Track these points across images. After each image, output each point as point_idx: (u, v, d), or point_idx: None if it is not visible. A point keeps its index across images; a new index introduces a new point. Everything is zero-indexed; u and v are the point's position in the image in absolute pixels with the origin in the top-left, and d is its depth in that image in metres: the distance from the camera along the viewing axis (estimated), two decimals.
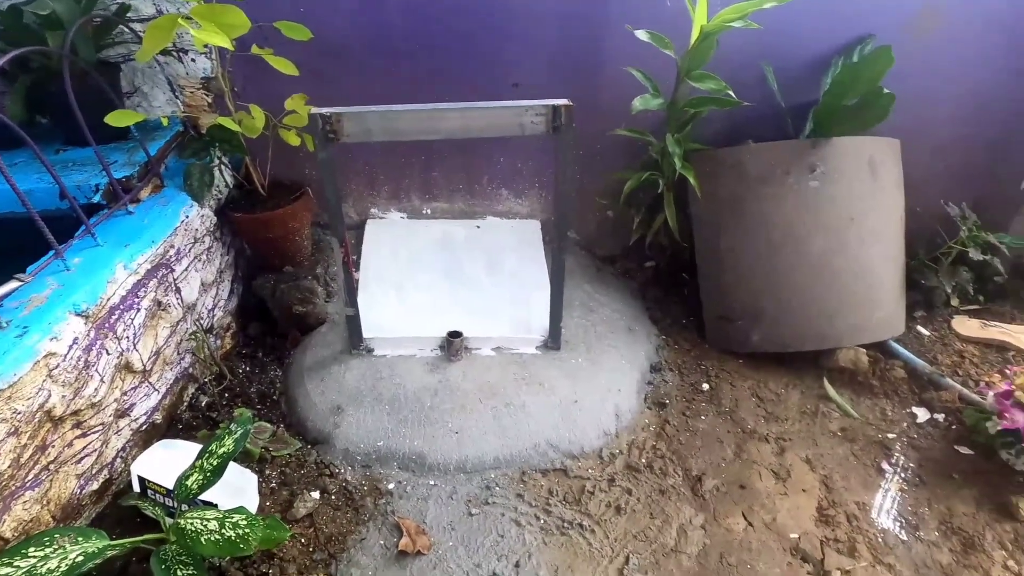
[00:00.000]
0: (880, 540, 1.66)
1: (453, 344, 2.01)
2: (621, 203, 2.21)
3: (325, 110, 1.64)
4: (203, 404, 2.00)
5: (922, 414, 2.05)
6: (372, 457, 1.84)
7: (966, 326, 2.39)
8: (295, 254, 2.27)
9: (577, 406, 1.94)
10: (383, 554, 1.61)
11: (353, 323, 2.01)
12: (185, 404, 1.98)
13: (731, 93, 1.87)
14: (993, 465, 1.85)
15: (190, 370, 1.99)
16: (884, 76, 2.04)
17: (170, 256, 1.84)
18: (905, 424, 2.02)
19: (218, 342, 2.19)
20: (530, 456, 1.84)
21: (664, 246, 2.44)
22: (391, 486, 1.78)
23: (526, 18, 2.13)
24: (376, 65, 2.18)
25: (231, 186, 2.28)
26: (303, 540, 1.64)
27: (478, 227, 2.50)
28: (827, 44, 2.23)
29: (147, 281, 1.72)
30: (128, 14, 1.99)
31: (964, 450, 1.92)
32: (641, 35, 1.77)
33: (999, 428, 1.77)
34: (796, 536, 1.66)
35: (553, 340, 2.08)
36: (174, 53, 2.11)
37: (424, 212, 2.54)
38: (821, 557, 1.61)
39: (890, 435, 1.98)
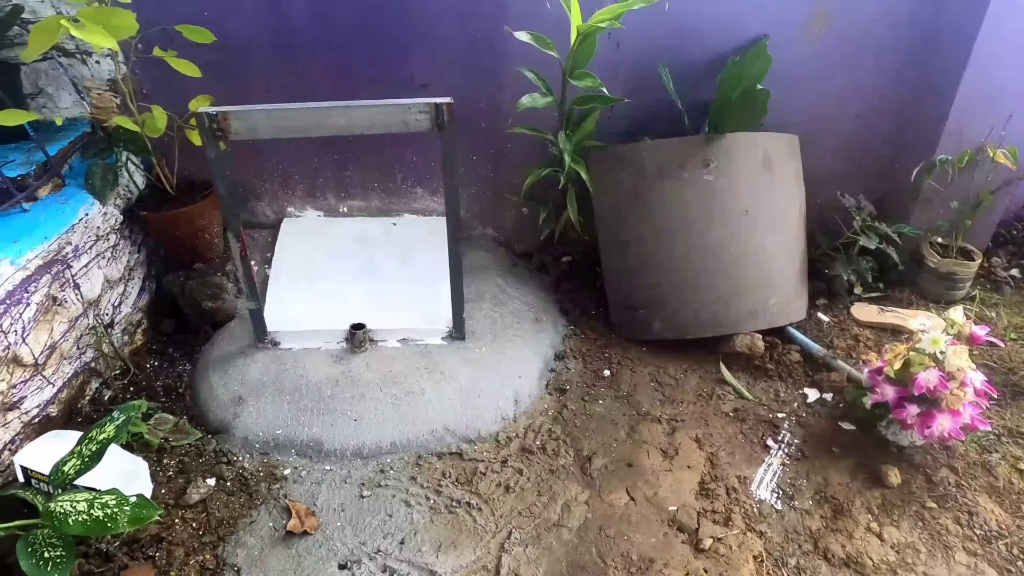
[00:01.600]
0: (755, 510, 1.76)
1: (356, 336, 2.08)
2: (523, 198, 2.31)
3: (211, 109, 1.71)
4: (106, 398, 2.05)
5: (812, 394, 2.17)
6: (270, 445, 1.90)
7: (864, 312, 2.53)
8: (205, 251, 2.33)
9: (476, 393, 2.02)
10: (271, 535, 1.67)
11: (256, 317, 2.07)
12: (87, 398, 2.02)
13: (604, 90, 1.98)
14: (871, 438, 1.97)
15: (92, 364, 2.03)
16: (766, 74, 2.18)
17: (67, 253, 1.89)
18: (796, 404, 2.14)
19: (127, 338, 2.23)
20: (427, 441, 1.92)
21: (575, 240, 2.55)
22: (287, 472, 1.84)
23: (430, 18, 2.23)
24: (280, 66, 2.26)
25: (142, 186, 2.34)
26: (194, 524, 1.69)
27: (394, 224, 2.58)
28: (726, 44, 2.36)
29: (38, 276, 1.76)
30: (25, 15, 2.04)
31: (847, 425, 2.04)
32: (522, 36, 1.88)
33: (871, 402, 1.89)
34: (675, 508, 1.75)
35: (457, 330, 2.16)
36: (77, 55, 2.16)
37: (341, 210, 2.61)
38: (696, 527, 1.71)
39: (780, 415, 2.09)
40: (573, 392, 2.15)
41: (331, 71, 2.28)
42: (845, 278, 2.50)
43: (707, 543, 1.66)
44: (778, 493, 1.82)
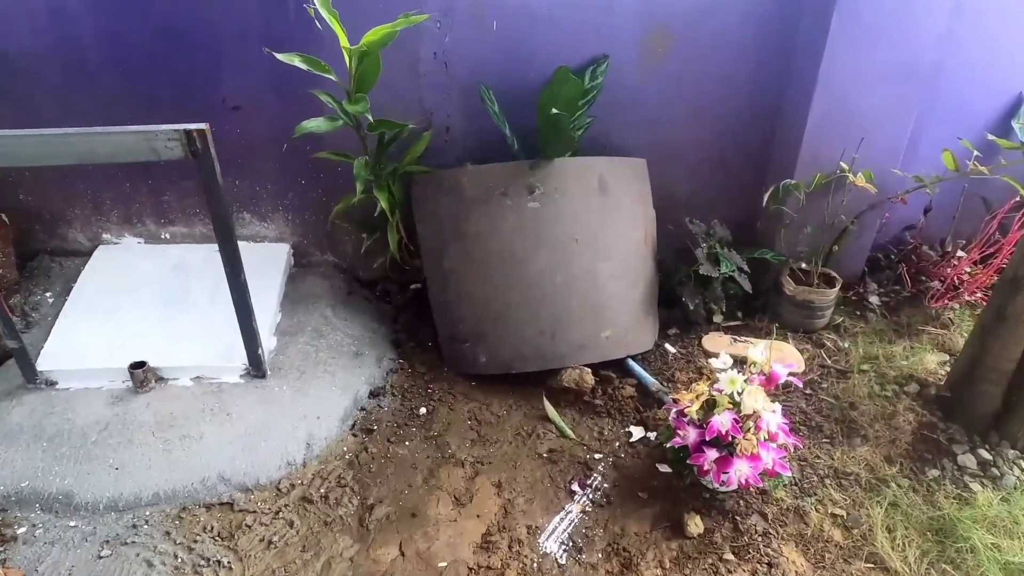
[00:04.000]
0: (535, 565, 1.66)
1: (135, 375, 1.96)
2: (350, 224, 2.22)
3: None
4: None
5: (637, 432, 2.08)
6: (11, 500, 1.74)
7: (715, 343, 2.46)
8: None
9: (263, 436, 1.90)
10: None
11: (20, 356, 1.94)
12: None
13: (369, 117, 1.91)
14: (682, 482, 1.88)
15: None
16: (579, 96, 2.12)
17: None
18: (617, 443, 2.04)
19: None
20: (196, 490, 1.79)
21: (415, 268, 2.45)
22: (21, 531, 1.69)
23: (237, 42, 2.14)
24: (76, 89, 2.16)
25: None
26: None
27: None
28: (565, 65, 2.28)
29: None
30: None
31: (664, 468, 1.95)
32: (292, 60, 1.79)
33: (670, 445, 1.80)
34: (444, 564, 1.64)
35: (254, 368, 2.05)
36: None
37: (163, 237, 2.50)
38: None
39: (597, 455, 2.00)
40: (380, 433, 2.04)
41: (132, 94, 2.18)
42: (691, 307, 2.43)
43: None
44: (567, 545, 1.72)
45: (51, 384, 2.01)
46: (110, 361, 2.02)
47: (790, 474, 1.75)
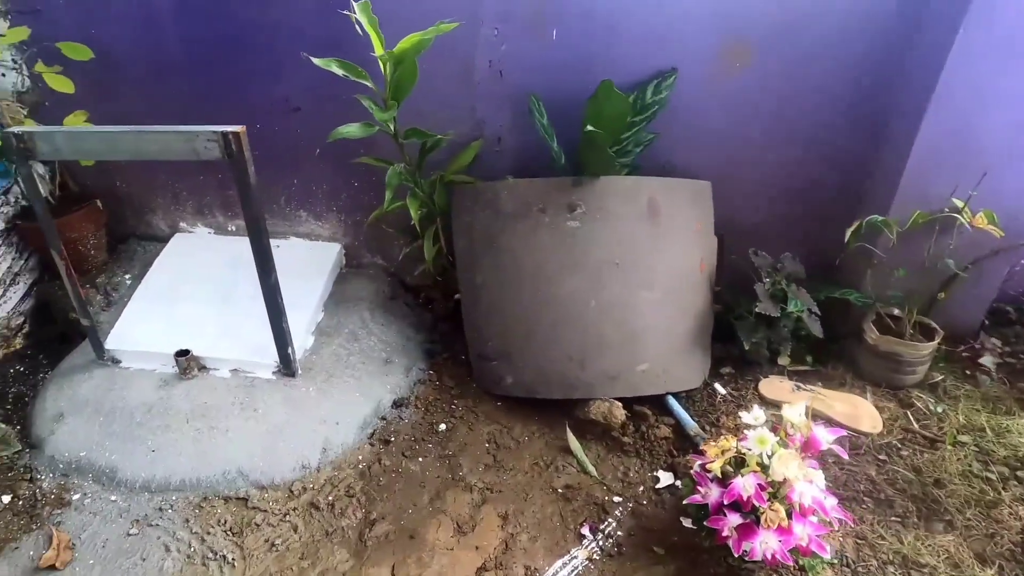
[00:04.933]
0: None
1: (180, 362, 2.08)
2: (368, 225, 2.24)
3: (16, 129, 1.77)
4: None
5: (665, 478, 1.93)
6: (72, 467, 1.92)
7: (774, 388, 2.24)
8: (80, 262, 2.42)
9: (283, 436, 1.96)
10: (25, 566, 1.68)
11: (92, 334, 2.12)
12: None
13: (392, 126, 1.90)
14: (704, 543, 1.72)
15: None
16: (627, 114, 1.99)
17: None
18: (641, 488, 1.91)
19: (1, 341, 2.35)
20: (217, 482, 1.87)
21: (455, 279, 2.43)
22: (75, 497, 1.85)
23: (296, 46, 2.20)
24: (158, 86, 2.32)
25: (44, 194, 2.46)
26: None
27: (278, 247, 2.55)
28: (625, 78, 2.16)
29: None
30: None
31: (688, 523, 1.80)
32: (328, 65, 1.80)
33: (688, 501, 1.65)
34: None
35: (284, 366, 2.11)
36: None
37: (229, 229, 2.64)
38: None
39: (616, 498, 1.88)
40: (397, 445, 2.03)
41: (203, 94, 2.31)
42: (746, 346, 2.22)
43: None
44: None
45: (116, 362, 2.18)
46: (164, 346, 2.16)
47: (829, 556, 1.55)
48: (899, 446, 1.99)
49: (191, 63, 2.28)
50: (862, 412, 2.12)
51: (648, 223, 2.09)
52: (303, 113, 2.33)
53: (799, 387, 2.24)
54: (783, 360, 2.35)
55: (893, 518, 1.78)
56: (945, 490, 1.83)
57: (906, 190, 2.10)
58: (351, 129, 1.89)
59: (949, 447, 1.97)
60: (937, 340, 2.16)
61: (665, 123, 2.18)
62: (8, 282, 2.37)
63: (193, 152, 1.72)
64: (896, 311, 2.26)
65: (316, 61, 1.79)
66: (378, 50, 1.75)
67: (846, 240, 2.15)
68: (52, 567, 1.66)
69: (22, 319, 2.44)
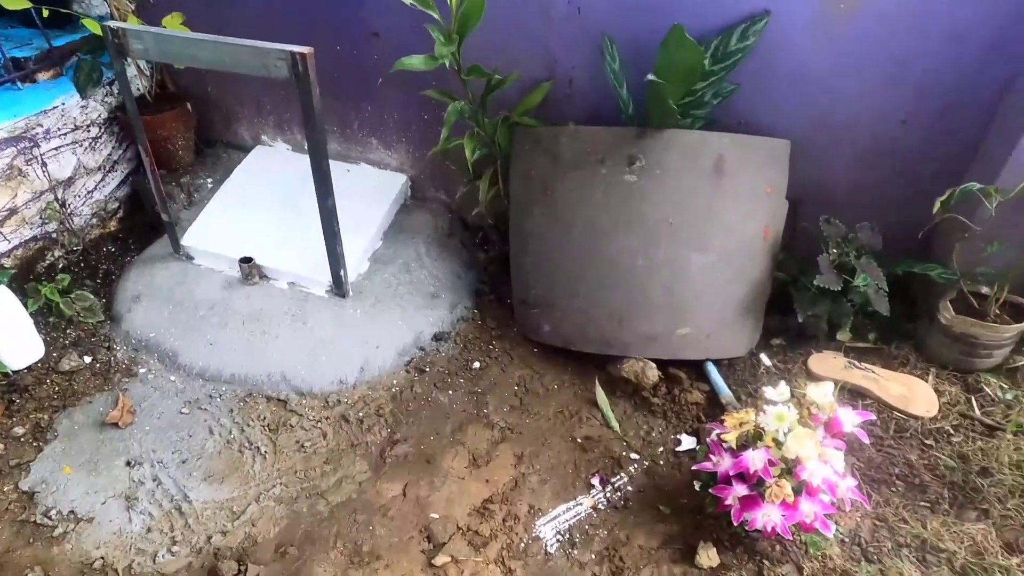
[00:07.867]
0: (522, 545, 1.67)
1: (243, 268, 2.27)
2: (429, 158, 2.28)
3: (114, 24, 1.94)
4: (60, 267, 2.50)
5: (688, 442, 1.94)
6: (143, 344, 2.20)
7: (824, 364, 2.14)
8: (169, 160, 2.68)
9: (326, 351, 2.12)
10: (95, 418, 1.98)
11: (170, 229, 2.36)
12: (46, 262, 2.49)
13: (446, 63, 1.91)
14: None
15: (55, 235, 2.48)
16: (699, 65, 1.89)
17: (36, 133, 2.30)
18: (661, 449, 1.93)
19: (96, 221, 2.66)
20: (262, 382, 2.07)
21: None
22: (142, 371, 2.13)
23: None
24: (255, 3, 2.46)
25: (144, 90, 2.69)
26: (56, 388, 2.07)
27: (348, 171, 2.70)
28: (713, 21, 2.05)
29: (3, 147, 2.19)
30: None
31: (699, 487, 1.80)
32: None
33: (696, 467, 1.66)
34: (435, 516, 1.72)
35: (336, 286, 2.25)
36: None
37: (306, 147, 2.78)
38: (444, 542, 1.67)
39: (634, 455, 1.91)
40: (430, 375, 2.15)
41: (295, 10, 2.40)
42: (800, 318, 2.13)
43: (441, 561, 1.62)
44: (562, 537, 1.70)
45: (190, 258, 2.43)
46: (232, 251, 2.36)
47: (831, 534, 1.52)
48: (951, 432, 1.89)
49: None
50: (918, 395, 2.01)
51: (710, 182, 2.02)
52: (381, 39, 2.38)
53: (853, 364, 2.14)
54: (843, 336, 2.23)
55: (922, 503, 1.73)
56: (990, 479, 1.74)
57: (1020, 156, 1.88)
58: (414, 61, 1.93)
59: (1009, 436, 1.84)
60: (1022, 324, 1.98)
61: (748, 73, 2.06)
62: (108, 168, 2.65)
63: (263, 68, 1.83)
64: (984, 289, 2.08)
65: None
66: None
67: (934, 210, 1.97)
68: (115, 424, 1.94)
69: (117, 204, 2.73)
